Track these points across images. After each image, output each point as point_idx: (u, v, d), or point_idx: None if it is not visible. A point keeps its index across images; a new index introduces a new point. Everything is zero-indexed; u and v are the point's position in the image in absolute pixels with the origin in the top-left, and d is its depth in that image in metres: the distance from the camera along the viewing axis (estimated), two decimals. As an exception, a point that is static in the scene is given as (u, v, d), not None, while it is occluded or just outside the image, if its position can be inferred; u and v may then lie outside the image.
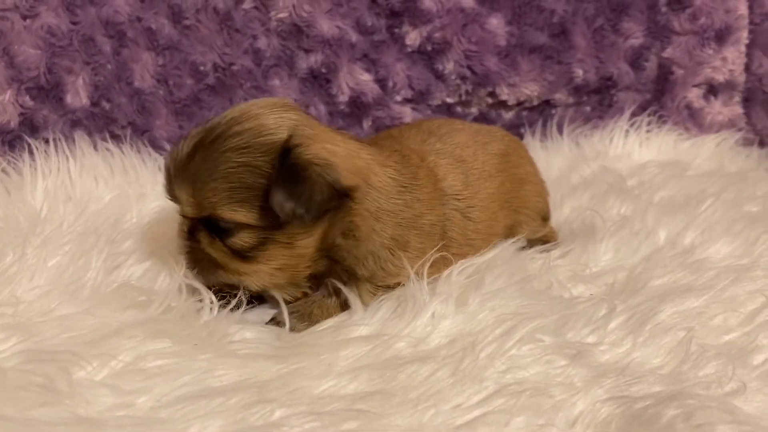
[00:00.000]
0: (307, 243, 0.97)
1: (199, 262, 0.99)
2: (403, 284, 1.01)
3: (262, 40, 1.59)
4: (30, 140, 1.33)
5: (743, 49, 1.83)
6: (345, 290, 1.00)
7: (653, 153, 1.76)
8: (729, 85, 1.85)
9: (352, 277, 1.01)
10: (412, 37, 1.68)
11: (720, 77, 1.84)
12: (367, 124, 1.68)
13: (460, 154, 1.16)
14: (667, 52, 1.82)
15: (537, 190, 1.29)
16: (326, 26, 1.62)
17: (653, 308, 0.99)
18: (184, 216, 1.00)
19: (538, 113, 1.79)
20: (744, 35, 1.83)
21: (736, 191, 1.45)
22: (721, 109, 1.86)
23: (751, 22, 1.83)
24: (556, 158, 1.70)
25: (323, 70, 1.63)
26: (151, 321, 0.92)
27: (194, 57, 1.53)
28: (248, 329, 0.96)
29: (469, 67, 1.71)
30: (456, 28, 1.69)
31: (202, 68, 1.54)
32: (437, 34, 1.68)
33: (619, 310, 0.98)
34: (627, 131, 1.79)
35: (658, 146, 1.78)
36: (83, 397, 0.77)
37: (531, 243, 1.22)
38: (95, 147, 1.39)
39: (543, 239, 1.27)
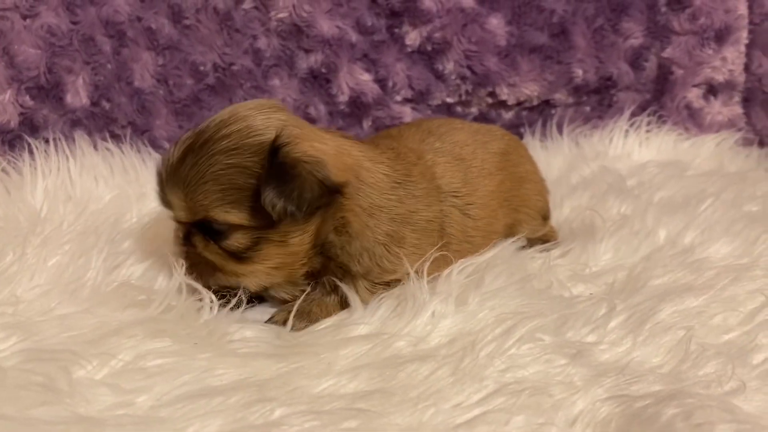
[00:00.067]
0: (301, 240, 0.97)
1: (196, 266, 1.00)
2: (403, 282, 1.02)
3: (262, 40, 1.59)
4: (30, 140, 1.33)
5: (743, 49, 1.84)
6: (344, 288, 1.00)
7: (653, 153, 1.76)
8: (729, 85, 1.85)
9: (347, 275, 1.01)
10: (412, 37, 1.68)
11: (720, 77, 1.84)
12: (367, 124, 1.68)
13: (459, 152, 1.17)
14: (667, 52, 1.83)
15: (537, 189, 1.30)
16: (326, 26, 1.62)
17: (653, 307, 0.99)
18: (177, 221, 1.01)
19: (538, 113, 1.79)
20: (744, 35, 1.83)
21: (735, 191, 1.46)
22: (720, 109, 1.86)
23: (750, 22, 1.83)
24: (556, 158, 1.70)
25: (323, 70, 1.63)
26: (151, 320, 0.92)
27: (194, 57, 1.53)
28: (248, 328, 0.96)
29: (469, 67, 1.71)
30: (456, 28, 1.69)
31: (202, 68, 1.54)
32: (437, 34, 1.68)
33: (619, 310, 0.98)
34: (627, 131, 1.79)
35: (657, 146, 1.78)
36: (83, 396, 0.77)
37: (531, 242, 1.23)
38: (95, 147, 1.39)
39: (543, 238, 1.27)
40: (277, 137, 0.93)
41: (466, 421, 0.77)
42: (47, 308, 0.94)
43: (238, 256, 0.97)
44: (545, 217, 1.31)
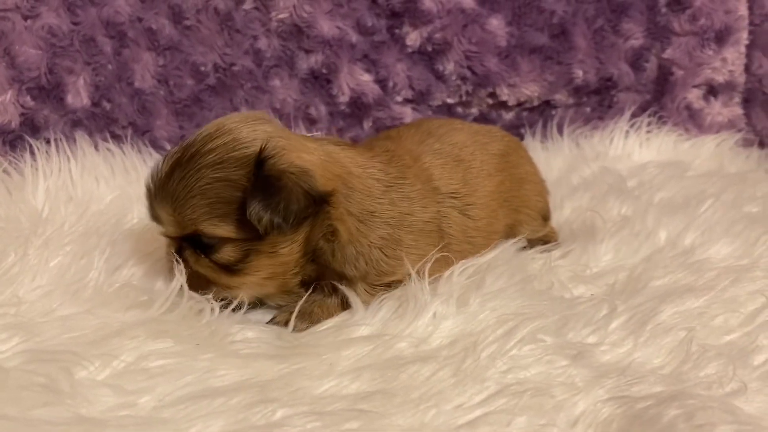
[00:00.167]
0: (291, 250, 0.98)
1: (190, 279, 0.99)
2: (404, 283, 1.02)
3: (262, 41, 1.59)
4: (31, 140, 1.33)
5: (743, 49, 1.84)
6: (345, 290, 1.00)
7: (653, 153, 1.76)
8: (729, 86, 1.85)
9: (343, 279, 1.01)
10: (413, 38, 1.68)
11: (720, 78, 1.84)
12: (367, 124, 1.68)
13: (459, 153, 1.17)
14: (667, 53, 1.83)
15: (537, 190, 1.30)
16: (327, 27, 1.62)
17: (654, 308, 0.99)
18: (167, 236, 1.01)
19: (539, 114, 1.80)
20: (744, 36, 1.83)
21: (735, 192, 1.46)
22: (720, 110, 1.87)
23: (750, 23, 1.83)
24: (557, 159, 1.70)
25: (324, 71, 1.64)
26: (153, 321, 0.92)
27: (195, 57, 1.53)
28: (250, 329, 0.96)
29: (469, 68, 1.71)
30: (456, 28, 1.69)
31: (202, 68, 1.54)
32: (438, 35, 1.68)
33: (620, 311, 0.98)
34: (627, 132, 1.79)
35: (658, 147, 1.79)
36: (85, 397, 0.77)
37: (531, 243, 1.23)
38: (96, 147, 1.39)
39: (543, 239, 1.27)
40: (262, 149, 0.93)
41: (467, 422, 0.77)
42: (49, 309, 0.94)
43: (230, 269, 0.98)
44: (545, 218, 1.31)
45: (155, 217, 0.99)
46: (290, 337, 0.95)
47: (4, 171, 1.28)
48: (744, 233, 1.24)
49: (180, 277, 0.97)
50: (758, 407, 0.81)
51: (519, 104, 1.77)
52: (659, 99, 1.85)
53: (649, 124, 1.81)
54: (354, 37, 1.64)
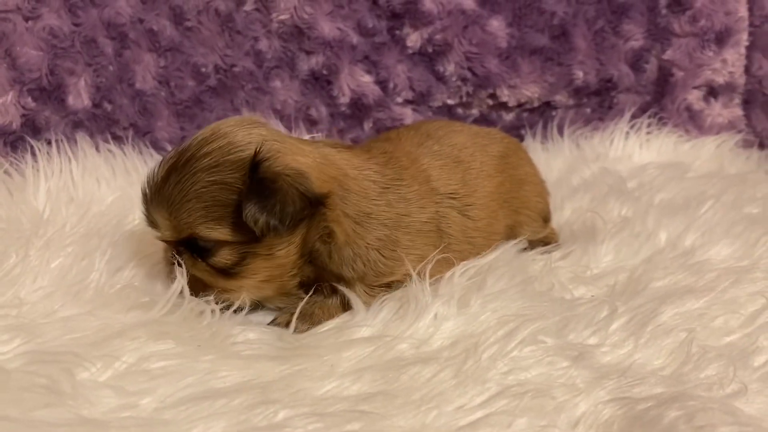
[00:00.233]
0: (288, 252, 0.98)
1: (189, 284, 1.00)
2: (404, 284, 1.02)
3: (263, 42, 1.60)
4: (32, 141, 1.33)
5: (743, 51, 1.84)
6: (345, 291, 1.00)
7: (653, 155, 1.77)
8: (729, 87, 1.85)
9: (341, 281, 1.01)
10: (413, 39, 1.69)
11: (720, 79, 1.84)
12: (368, 125, 1.68)
13: (458, 155, 1.17)
14: (668, 54, 1.83)
15: (537, 191, 1.30)
16: (327, 28, 1.62)
17: (654, 310, 0.99)
18: (164, 240, 1.01)
19: (539, 115, 1.80)
20: (744, 37, 1.83)
21: (736, 193, 1.46)
22: (721, 111, 1.87)
23: (751, 24, 1.84)
24: (557, 160, 1.71)
25: (324, 72, 1.64)
26: (155, 322, 0.92)
27: (196, 58, 1.54)
28: (251, 330, 0.96)
29: (469, 69, 1.72)
30: (457, 29, 1.69)
31: (203, 70, 1.54)
32: (438, 36, 1.68)
33: (621, 312, 0.99)
34: (627, 133, 1.79)
35: (658, 148, 1.79)
36: (87, 399, 0.77)
37: (532, 244, 1.23)
38: (97, 148, 1.39)
39: (544, 240, 1.28)
40: (257, 152, 0.93)
41: (468, 424, 0.77)
42: (50, 310, 0.94)
43: (227, 272, 0.98)
44: (546, 219, 1.31)
45: (151, 221, 1.00)
46: (291, 339, 0.95)
47: (5, 172, 1.28)
48: (744, 234, 1.25)
49: (181, 279, 0.97)
50: (758, 408, 0.82)
51: (519, 105, 1.77)
52: (659, 100, 1.85)
53: (649, 125, 1.81)
54: (355, 38, 1.64)
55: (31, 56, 1.38)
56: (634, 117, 1.81)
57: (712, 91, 1.86)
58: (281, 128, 1.57)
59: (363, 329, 0.95)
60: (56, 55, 1.39)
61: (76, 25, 1.42)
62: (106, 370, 0.83)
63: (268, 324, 1.01)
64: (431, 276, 1.00)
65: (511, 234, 1.23)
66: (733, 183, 1.53)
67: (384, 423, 0.77)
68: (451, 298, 0.98)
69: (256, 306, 1.05)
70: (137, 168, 1.38)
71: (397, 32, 1.68)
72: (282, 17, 1.60)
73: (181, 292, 0.97)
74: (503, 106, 1.77)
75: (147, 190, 0.98)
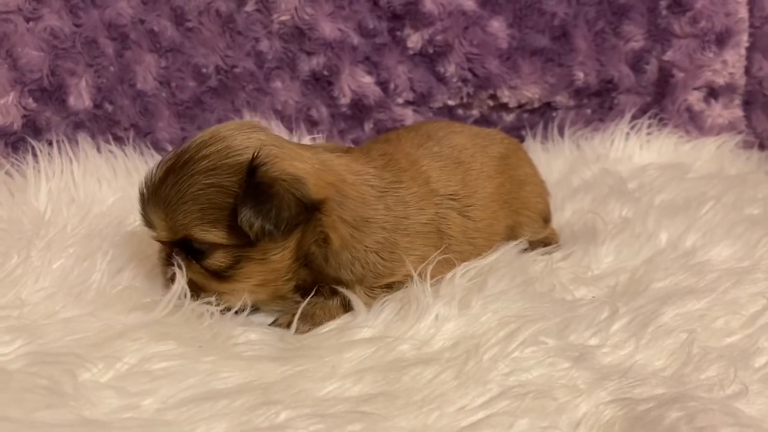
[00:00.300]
0: (282, 256, 0.98)
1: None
2: (404, 284, 1.02)
3: (264, 43, 1.60)
4: (33, 142, 1.33)
5: (743, 52, 1.84)
6: (346, 292, 1.00)
7: (654, 155, 1.77)
8: (729, 88, 1.85)
9: (340, 283, 1.02)
10: (414, 40, 1.69)
11: (720, 80, 1.84)
12: (368, 126, 1.69)
13: (458, 156, 1.17)
14: (668, 55, 1.83)
15: (537, 191, 1.30)
16: (328, 29, 1.62)
17: (655, 310, 0.99)
18: (159, 241, 1.01)
19: (539, 116, 1.80)
20: (744, 38, 1.84)
21: (736, 194, 1.46)
22: (721, 112, 1.87)
23: (751, 26, 1.84)
24: (557, 160, 1.71)
25: (325, 73, 1.64)
26: (156, 323, 0.92)
27: (197, 59, 1.54)
28: (252, 331, 0.96)
29: (470, 70, 1.72)
30: (457, 30, 1.70)
31: (204, 70, 1.54)
32: (439, 37, 1.69)
33: (621, 313, 0.99)
34: (628, 134, 1.79)
35: (658, 149, 1.79)
36: (88, 399, 0.77)
37: (533, 245, 1.23)
38: (98, 149, 1.39)
39: (544, 241, 1.28)
40: (254, 157, 0.93)
41: (470, 424, 0.78)
42: (52, 311, 0.94)
43: (220, 275, 0.98)
44: (546, 220, 1.31)
45: (148, 221, 1.00)
46: (293, 339, 0.95)
47: (7, 173, 1.28)
48: (745, 235, 1.25)
49: (181, 280, 0.97)
50: (759, 409, 0.82)
51: (520, 106, 1.78)
52: (660, 101, 1.85)
53: (649, 126, 1.81)
54: (355, 39, 1.65)
55: (32, 57, 1.38)
56: (634, 118, 1.81)
57: (713, 92, 1.86)
58: (282, 129, 1.58)
59: (364, 330, 0.95)
60: (57, 56, 1.40)
61: (77, 25, 1.42)
62: (108, 371, 0.83)
63: (270, 325, 1.01)
64: (432, 277, 1.00)
65: (511, 234, 1.23)
66: (734, 184, 1.53)
67: (385, 424, 0.77)
68: (452, 299, 0.99)
69: (258, 307, 1.05)
70: (138, 169, 1.38)
71: (398, 33, 1.68)
72: (283, 18, 1.60)
73: (182, 292, 0.97)
74: (504, 107, 1.77)
75: (144, 190, 0.99)
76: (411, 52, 1.69)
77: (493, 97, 1.75)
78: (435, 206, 1.09)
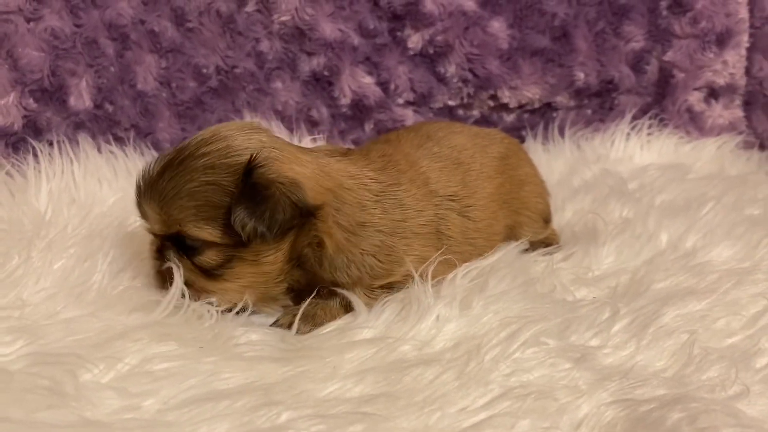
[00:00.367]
0: (275, 258, 0.98)
1: (170, 281, 1.00)
2: (405, 285, 1.02)
3: (264, 43, 1.60)
4: (34, 143, 1.33)
5: (744, 52, 1.84)
6: (347, 293, 1.01)
7: (654, 156, 1.77)
8: (730, 89, 1.85)
9: (336, 286, 1.02)
10: (414, 41, 1.69)
11: (721, 81, 1.84)
12: (369, 126, 1.69)
13: (458, 156, 1.18)
14: (668, 56, 1.83)
15: (537, 191, 1.30)
16: (328, 29, 1.62)
17: (656, 311, 0.99)
18: (152, 233, 1.02)
19: (540, 116, 1.80)
20: (744, 39, 1.84)
21: (737, 194, 1.46)
22: (721, 113, 1.87)
23: (751, 26, 1.84)
24: (558, 161, 1.71)
25: (325, 73, 1.64)
26: (157, 324, 0.92)
27: (197, 60, 1.54)
28: (253, 331, 0.96)
29: (470, 70, 1.72)
30: (458, 31, 1.70)
31: (204, 71, 1.54)
32: (439, 38, 1.69)
33: (622, 313, 0.99)
34: (628, 134, 1.79)
35: (659, 149, 1.79)
36: (89, 400, 0.77)
37: (533, 245, 1.23)
38: (99, 149, 1.39)
39: (545, 241, 1.28)
40: (252, 158, 0.94)
41: (471, 425, 0.77)
42: (53, 312, 0.94)
43: (210, 273, 0.98)
44: (546, 220, 1.31)
45: (142, 213, 1.00)
46: (294, 340, 0.95)
47: (7, 173, 1.28)
48: (745, 236, 1.25)
49: (179, 281, 0.97)
50: (761, 410, 0.82)
51: (520, 106, 1.78)
52: (660, 101, 1.85)
53: (650, 126, 1.81)
54: (356, 39, 1.65)
55: (33, 57, 1.38)
56: (634, 118, 1.81)
57: (713, 93, 1.86)
58: (282, 129, 1.58)
59: (365, 331, 0.95)
60: (58, 56, 1.40)
61: (77, 26, 1.42)
62: (109, 371, 0.83)
63: (271, 325, 1.01)
64: (433, 278, 1.01)
65: (512, 235, 1.23)
66: (734, 184, 1.53)
67: (387, 425, 0.77)
68: (453, 299, 0.99)
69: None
70: (139, 169, 1.37)
71: (398, 33, 1.68)
72: (283, 18, 1.60)
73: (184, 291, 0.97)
74: (504, 107, 1.77)
75: (141, 183, 0.99)
76: (411, 53, 1.69)
77: (494, 97, 1.75)
78: (434, 207, 1.09)
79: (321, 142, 1.60)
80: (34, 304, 0.95)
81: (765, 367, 0.89)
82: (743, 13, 1.82)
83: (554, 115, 1.80)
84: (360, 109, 1.67)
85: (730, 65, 1.84)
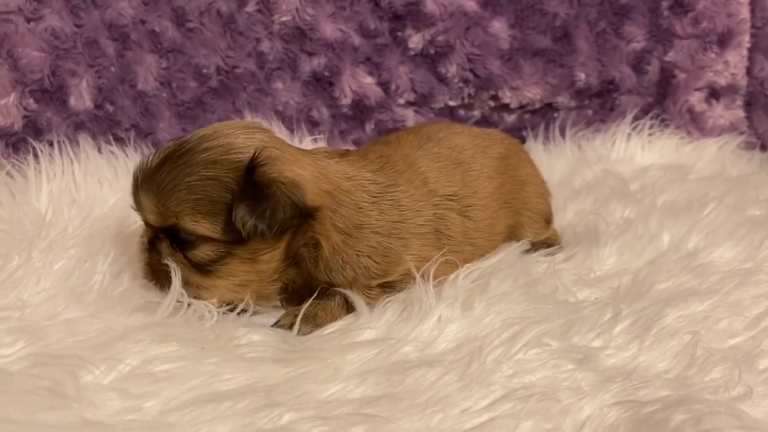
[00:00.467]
0: (270, 258, 0.98)
1: (157, 273, 1.00)
2: (406, 285, 1.02)
3: (265, 43, 1.60)
4: (34, 143, 1.33)
5: (745, 52, 1.84)
6: (348, 294, 1.00)
7: (655, 156, 1.77)
8: (731, 89, 1.85)
9: (331, 286, 1.02)
10: (415, 41, 1.69)
11: (722, 81, 1.84)
12: (369, 127, 1.68)
13: (458, 157, 1.18)
14: (670, 56, 1.83)
15: (538, 191, 1.30)
16: (329, 29, 1.62)
17: (658, 312, 0.99)
18: (146, 224, 1.01)
19: (541, 116, 1.80)
20: (746, 39, 1.84)
21: (738, 195, 1.46)
22: (722, 113, 1.87)
23: (752, 26, 1.84)
24: (559, 161, 1.70)
25: (326, 73, 1.64)
26: (158, 325, 0.92)
27: (197, 60, 1.54)
28: (255, 332, 0.96)
29: (471, 71, 1.72)
30: (459, 31, 1.69)
31: (205, 71, 1.54)
32: (440, 38, 1.68)
33: (625, 314, 0.98)
34: (629, 135, 1.79)
35: (660, 150, 1.79)
36: (90, 401, 0.77)
37: (535, 246, 1.23)
38: (99, 150, 1.39)
39: (546, 242, 1.28)
40: (254, 156, 0.94)
41: (474, 427, 0.77)
42: (54, 313, 0.94)
43: (203, 269, 0.98)
44: (548, 221, 1.31)
45: (137, 203, 1.00)
46: (295, 341, 0.95)
47: (8, 174, 1.27)
48: (747, 236, 1.24)
49: (177, 282, 0.97)
50: (764, 411, 0.81)
51: (521, 107, 1.77)
52: (661, 102, 1.85)
53: (651, 126, 1.81)
54: (356, 39, 1.64)
55: (33, 57, 1.37)
56: (636, 119, 1.81)
57: (714, 93, 1.86)
58: (283, 130, 1.57)
59: (367, 332, 0.95)
60: (58, 57, 1.39)
61: (77, 26, 1.42)
62: (110, 372, 0.82)
63: (272, 326, 1.01)
64: (435, 278, 1.00)
65: (513, 235, 1.23)
66: (736, 185, 1.53)
67: (389, 426, 0.77)
68: (455, 300, 0.98)
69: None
70: (138, 166, 1.38)
71: (399, 34, 1.68)
72: (284, 19, 1.60)
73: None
74: (505, 107, 1.77)
75: (138, 174, 0.98)
76: (412, 53, 1.69)
77: (495, 97, 1.75)
78: (433, 207, 1.09)
79: (322, 143, 1.60)
80: (34, 305, 0.95)
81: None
82: (744, 13, 1.82)
83: (555, 115, 1.80)
84: (361, 110, 1.67)
85: (731, 65, 1.84)
